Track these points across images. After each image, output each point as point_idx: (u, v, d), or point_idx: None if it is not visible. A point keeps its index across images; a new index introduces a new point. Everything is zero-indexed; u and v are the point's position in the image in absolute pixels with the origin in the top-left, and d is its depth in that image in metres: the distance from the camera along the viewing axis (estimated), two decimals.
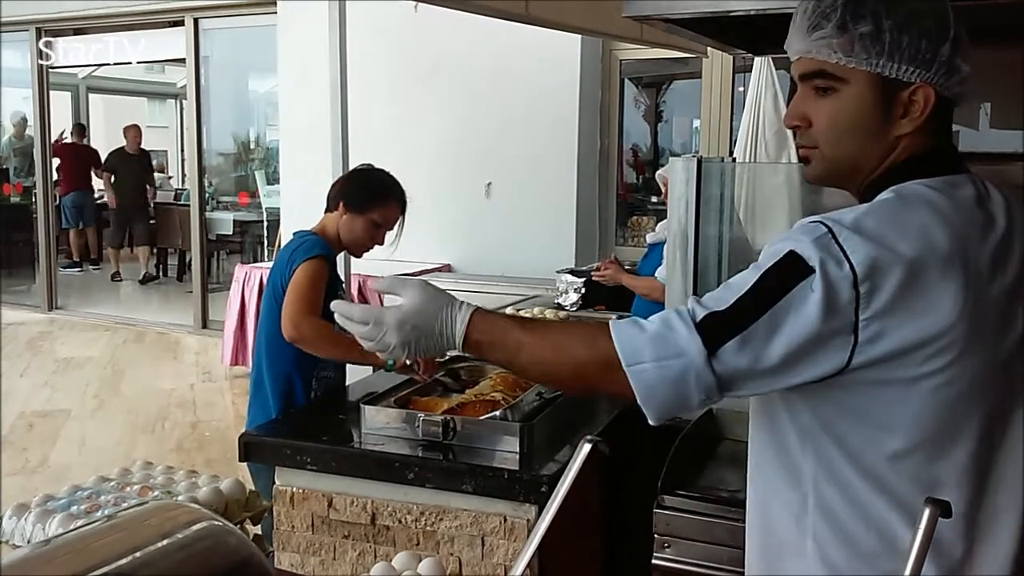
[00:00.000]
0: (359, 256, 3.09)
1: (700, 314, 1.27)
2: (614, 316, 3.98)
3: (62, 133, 11.56)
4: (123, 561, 0.98)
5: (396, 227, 2.97)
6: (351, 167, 5.09)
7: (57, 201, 10.86)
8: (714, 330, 1.25)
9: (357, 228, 2.89)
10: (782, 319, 1.23)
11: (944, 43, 1.30)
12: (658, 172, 3.97)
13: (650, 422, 1.33)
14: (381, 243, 2.98)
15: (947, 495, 1.26)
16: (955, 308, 1.24)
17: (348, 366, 3.01)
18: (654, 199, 6.79)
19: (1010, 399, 1.35)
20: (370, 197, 2.89)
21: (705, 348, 1.25)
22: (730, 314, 1.25)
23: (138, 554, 0.99)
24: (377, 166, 3.04)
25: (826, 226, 1.24)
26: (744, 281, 1.28)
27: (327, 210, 2.94)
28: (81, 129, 12.43)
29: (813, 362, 1.25)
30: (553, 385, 1.93)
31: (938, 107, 1.32)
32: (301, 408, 2.80)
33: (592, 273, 4.20)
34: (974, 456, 1.32)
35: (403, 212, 2.96)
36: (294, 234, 2.94)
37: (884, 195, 1.33)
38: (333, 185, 2.98)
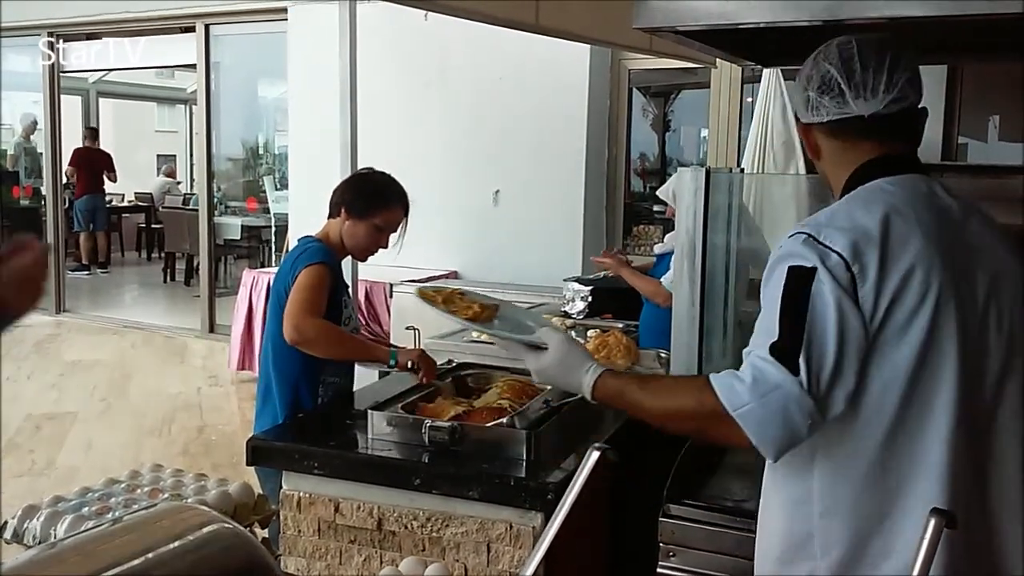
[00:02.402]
0: (364, 260, 3.10)
1: (767, 351, 1.45)
2: (620, 325, 3.99)
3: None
4: (135, 562, 0.98)
5: (399, 229, 2.98)
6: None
7: (67, 204, 10.90)
8: (785, 355, 1.43)
9: (360, 233, 2.89)
10: (818, 316, 1.44)
11: (826, 93, 1.61)
12: (659, 191, 3.95)
13: (769, 460, 1.52)
14: (385, 246, 2.98)
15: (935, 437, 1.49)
16: (924, 241, 1.49)
17: (356, 371, 3.02)
18: (662, 208, 6.79)
19: (992, 362, 1.55)
20: (371, 202, 2.89)
21: (791, 373, 1.42)
22: (787, 338, 1.44)
23: (150, 555, 1.00)
24: (379, 169, 3.04)
25: (806, 232, 1.50)
26: (772, 313, 1.47)
27: (329, 216, 2.94)
28: (94, 133, 12.49)
29: (854, 333, 1.44)
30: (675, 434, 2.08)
31: (849, 132, 1.62)
32: (309, 413, 2.81)
33: (593, 257, 4.23)
34: (957, 404, 1.50)
35: (406, 214, 2.96)
36: (299, 240, 2.95)
37: (851, 193, 1.61)
38: (334, 191, 2.98)
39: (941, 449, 1.49)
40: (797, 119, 1.73)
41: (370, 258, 3.07)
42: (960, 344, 1.50)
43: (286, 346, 2.79)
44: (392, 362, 2.80)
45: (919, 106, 1.63)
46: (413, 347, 2.94)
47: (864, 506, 1.53)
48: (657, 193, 4.03)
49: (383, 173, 2.99)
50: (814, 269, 1.44)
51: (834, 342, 1.43)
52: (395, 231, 2.96)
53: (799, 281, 1.45)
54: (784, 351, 1.43)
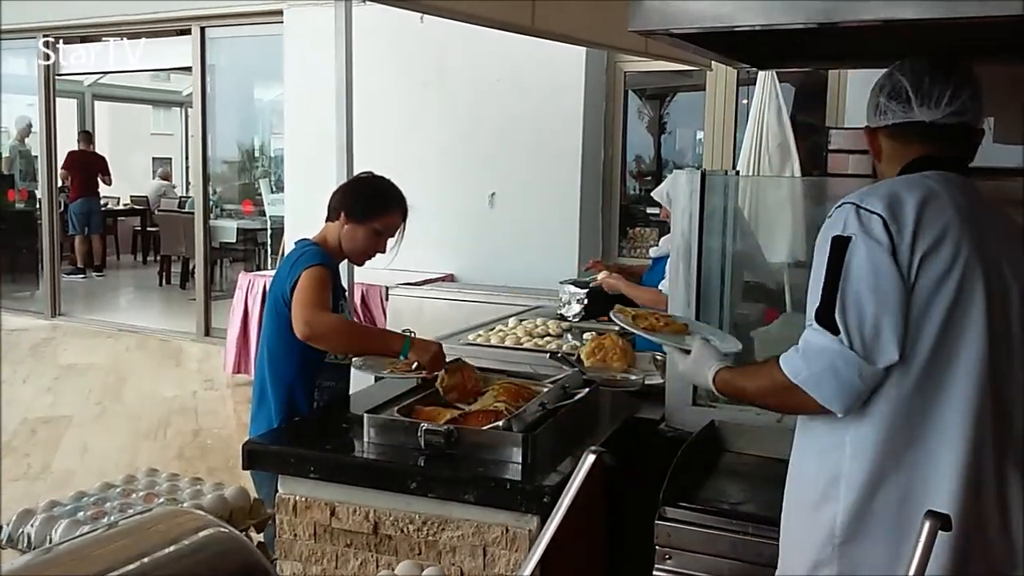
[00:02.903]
0: (361, 264, 3.09)
1: (813, 320, 1.65)
2: (616, 327, 3.98)
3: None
4: (131, 567, 0.98)
5: (397, 235, 2.97)
6: (354, 174, 5.11)
7: (62, 208, 10.88)
8: (826, 319, 1.63)
9: (359, 237, 2.89)
10: (853, 276, 1.62)
11: (894, 99, 1.79)
12: (654, 192, 3.95)
13: (839, 415, 1.66)
14: (383, 251, 2.98)
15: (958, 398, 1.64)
16: (956, 215, 1.65)
17: (352, 375, 3.01)
18: (657, 211, 6.79)
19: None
20: (372, 206, 2.89)
21: (833, 335, 1.62)
22: (826, 302, 1.64)
23: (145, 560, 1.00)
24: (378, 174, 3.03)
25: (850, 203, 1.67)
26: (818, 281, 1.67)
27: (328, 219, 2.93)
28: (88, 136, 12.49)
29: (892, 285, 1.61)
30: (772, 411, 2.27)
31: (909, 136, 1.79)
32: (305, 417, 2.81)
33: (592, 278, 4.20)
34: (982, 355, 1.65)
35: (404, 219, 2.96)
36: (296, 243, 2.95)
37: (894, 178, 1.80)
38: (334, 194, 2.97)
39: (964, 406, 1.64)
40: (866, 127, 1.88)
41: (368, 264, 3.07)
42: (986, 311, 1.65)
43: (282, 350, 2.78)
44: (403, 356, 2.71)
45: (978, 126, 1.81)
46: (431, 340, 2.83)
47: (887, 448, 1.66)
48: (652, 195, 4.02)
49: (383, 178, 2.99)
50: (851, 237, 1.63)
51: (870, 296, 1.61)
52: (393, 236, 2.96)
53: (838, 250, 1.64)
54: (826, 315, 1.63)
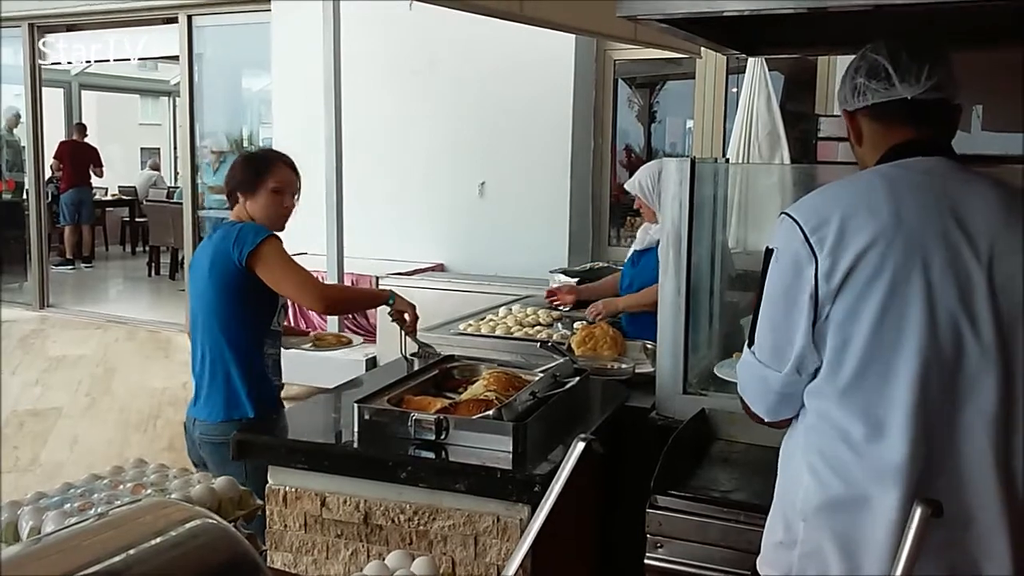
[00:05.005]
0: (282, 229, 3.09)
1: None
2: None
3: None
4: (117, 559, 0.97)
5: (297, 188, 3.00)
6: (343, 164, 5.10)
7: (50, 198, 10.84)
8: (751, 330, 1.72)
9: (262, 203, 2.92)
10: (766, 290, 1.67)
11: (873, 78, 1.71)
12: (626, 183, 3.86)
13: (766, 419, 1.76)
14: (292, 206, 3.00)
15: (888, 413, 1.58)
16: (893, 219, 1.59)
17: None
18: None
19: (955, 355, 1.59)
20: (255, 170, 2.93)
21: (749, 347, 1.73)
22: (753, 313, 1.71)
23: (132, 551, 0.99)
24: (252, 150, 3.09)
25: (785, 213, 1.67)
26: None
27: (231, 207, 2.98)
28: (82, 128, 12.51)
29: (797, 299, 1.62)
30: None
31: (891, 117, 1.71)
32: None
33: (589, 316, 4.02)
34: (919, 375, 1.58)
35: (296, 172, 2.99)
36: (220, 225, 2.98)
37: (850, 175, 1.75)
38: (225, 185, 3.03)
39: (905, 399, 1.58)
40: (844, 112, 1.80)
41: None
42: (926, 308, 1.58)
43: (240, 321, 2.84)
44: (390, 301, 3.09)
45: (955, 102, 1.73)
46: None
47: (838, 428, 1.63)
48: (625, 186, 3.95)
49: (254, 149, 3.07)
50: (773, 250, 1.66)
51: (777, 309, 1.66)
52: (294, 191, 2.99)
53: (765, 262, 1.68)
54: (751, 327, 1.72)
